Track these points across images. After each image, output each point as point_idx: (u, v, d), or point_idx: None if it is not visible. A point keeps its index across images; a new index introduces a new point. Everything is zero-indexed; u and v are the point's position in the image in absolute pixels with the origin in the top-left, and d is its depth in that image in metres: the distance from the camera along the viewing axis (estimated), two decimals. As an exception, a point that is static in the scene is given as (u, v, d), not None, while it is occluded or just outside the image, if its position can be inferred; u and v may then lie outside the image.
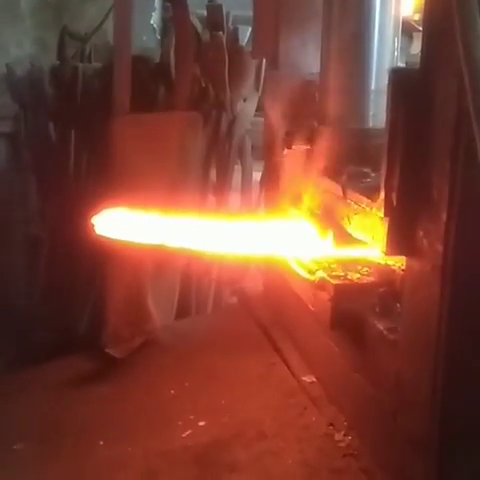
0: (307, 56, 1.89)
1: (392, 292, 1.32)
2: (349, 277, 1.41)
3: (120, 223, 1.46)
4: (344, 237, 1.33)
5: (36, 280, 2.92)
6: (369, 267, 1.44)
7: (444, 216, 1.00)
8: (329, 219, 1.38)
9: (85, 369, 1.97)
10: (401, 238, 1.07)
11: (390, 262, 1.42)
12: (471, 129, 0.90)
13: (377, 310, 1.31)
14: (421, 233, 1.05)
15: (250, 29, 2.41)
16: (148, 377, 1.86)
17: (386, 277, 1.38)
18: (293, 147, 1.58)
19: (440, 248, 1.01)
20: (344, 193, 1.30)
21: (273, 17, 1.92)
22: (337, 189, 1.34)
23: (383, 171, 1.08)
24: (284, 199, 1.68)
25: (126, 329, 2.07)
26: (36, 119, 2.98)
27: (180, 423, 1.55)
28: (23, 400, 1.82)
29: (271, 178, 1.87)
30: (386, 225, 1.08)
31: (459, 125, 0.97)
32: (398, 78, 1.06)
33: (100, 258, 2.52)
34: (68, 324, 2.60)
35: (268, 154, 1.90)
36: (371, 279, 1.40)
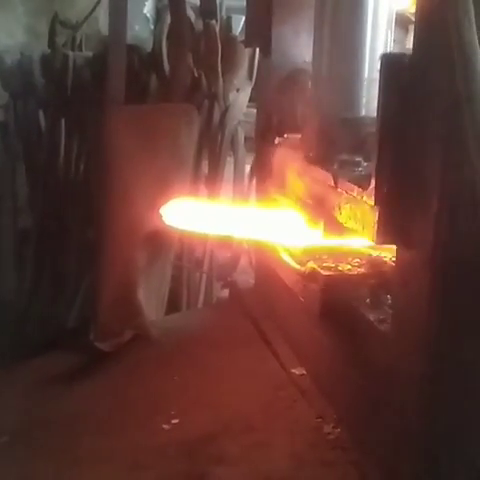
0: (300, 45, 1.87)
1: (383, 284, 1.31)
2: (340, 268, 1.40)
3: (189, 213, 1.45)
4: (335, 227, 1.31)
5: (24, 273, 2.89)
6: (360, 258, 1.43)
7: (435, 205, 0.98)
8: (320, 208, 1.36)
9: (73, 363, 1.94)
10: (392, 227, 1.06)
11: (381, 254, 1.42)
12: (465, 117, 0.88)
13: (368, 302, 1.29)
14: (412, 222, 1.03)
15: (243, 18, 2.38)
16: (137, 371, 1.84)
17: (377, 269, 1.37)
18: (285, 135, 1.56)
19: (431, 237, 0.99)
20: (335, 182, 1.29)
21: (266, 6, 1.89)
22: (328, 178, 1.32)
23: (374, 159, 1.06)
24: (275, 188, 1.65)
25: (116, 323, 2.05)
26: (26, 108, 2.95)
27: (168, 417, 1.53)
28: (9, 394, 1.79)
29: (262, 167, 1.84)
30: (377, 214, 1.06)
31: (452, 112, 0.95)
32: (390, 63, 1.04)
33: (90, 251, 2.50)
34: (56, 318, 2.57)
35: (260, 142, 1.87)
36: (362, 271, 1.39)
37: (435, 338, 1.01)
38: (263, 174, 1.79)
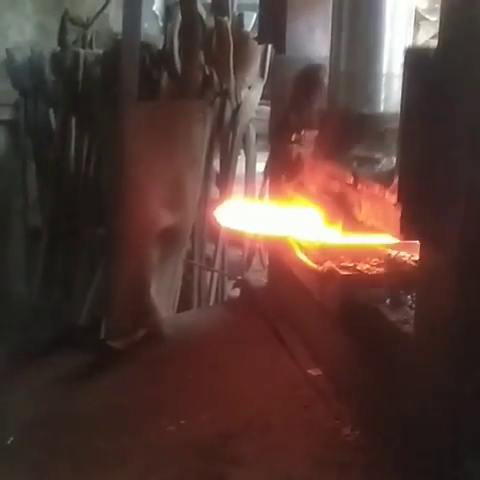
0: (314, 42, 1.85)
1: (403, 283, 1.29)
2: (358, 268, 1.38)
3: (243, 214, 1.45)
4: (354, 225, 1.29)
5: (35, 271, 2.89)
6: (379, 258, 1.41)
7: (462, 202, 0.96)
8: (339, 206, 1.34)
9: (85, 361, 1.94)
10: (416, 223, 1.03)
11: (400, 253, 1.39)
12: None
13: (388, 302, 1.27)
14: (437, 219, 1.00)
15: (255, 15, 2.36)
16: (150, 370, 1.83)
17: (396, 268, 1.35)
18: (302, 132, 1.54)
19: (457, 235, 0.96)
20: (355, 179, 1.26)
21: (280, 2, 1.87)
22: (347, 175, 1.30)
23: (398, 155, 1.04)
24: (291, 186, 1.63)
25: (128, 321, 2.04)
26: (36, 106, 2.94)
27: (183, 416, 1.52)
28: (20, 392, 1.79)
29: (277, 164, 1.81)
30: (400, 211, 1.04)
31: (478, 108, 0.93)
32: (414, 58, 1.01)
33: (100, 249, 2.49)
34: (68, 315, 2.57)
35: (275, 140, 1.84)
36: (381, 270, 1.37)
37: (461, 339, 0.99)
38: (278, 172, 1.77)
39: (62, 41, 2.74)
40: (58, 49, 2.77)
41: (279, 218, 1.45)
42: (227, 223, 1.48)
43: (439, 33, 1.01)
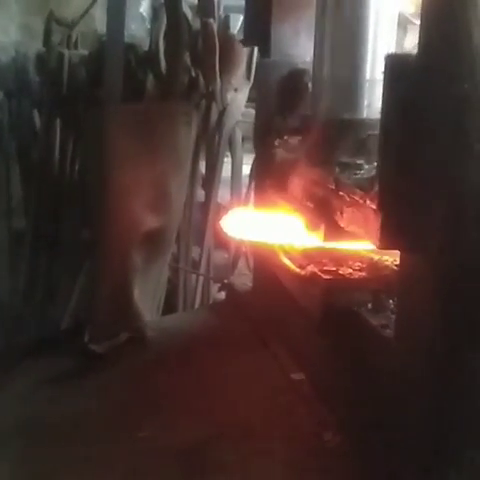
0: (300, 45, 1.85)
1: (385, 288, 1.28)
2: (341, 272, 1.37)
3: (249, 223, 1.44)
4: (336, 231, 1.29)
5: (19, 274, 2.86)
6: (361, 262, 1.40)
7: (441, 210, 0.96)
8: (320, 212, 1.34)
9: (67, 365, 1.92)
10: (395, 232, 1.03)
11: (383, 257, 1.39)
12: (472, 118, 0.86)
13: (369, 306, 1.27)
14: (416, 227, 1.00)
15: (241, 17, 2.36)
16: (132, 374, 1.81)
17: (379, 273, 1.34)
18: (285, 137, 1.54)
19: (436, 243, 0.97)
20: (336, 185, 1.26)
21: (265, 5, 1.87)
22: (329, 181, 1.30)
23: (378, 162, 1.04)
24: (275, 191, 1.63)
25: (111, 325, 2.02)
26: (20, 107, 2.92)
27: (164, 421, 1.51)
28: (2, 397, 1.76)
29: (262, 169, 1.82)
30: (380, 218, 1.03)
31: (459, 115, 0.93)
32: (394, 64, 1.01)
33: (85, 252, 2.47)
34: (51, 319, 2.54)
35: (259, 145, 1.85)
36: (363, 275, 1.36)
37: (440, 344, 0.99)
38: (263, 177, 1.77)
39: (47, 42, 2.72)
40: (43, 50, 2.75)
41: (265, 226, 1.44)
42: (235, 232, 1.47)
43: (419, 38, 1.01)
